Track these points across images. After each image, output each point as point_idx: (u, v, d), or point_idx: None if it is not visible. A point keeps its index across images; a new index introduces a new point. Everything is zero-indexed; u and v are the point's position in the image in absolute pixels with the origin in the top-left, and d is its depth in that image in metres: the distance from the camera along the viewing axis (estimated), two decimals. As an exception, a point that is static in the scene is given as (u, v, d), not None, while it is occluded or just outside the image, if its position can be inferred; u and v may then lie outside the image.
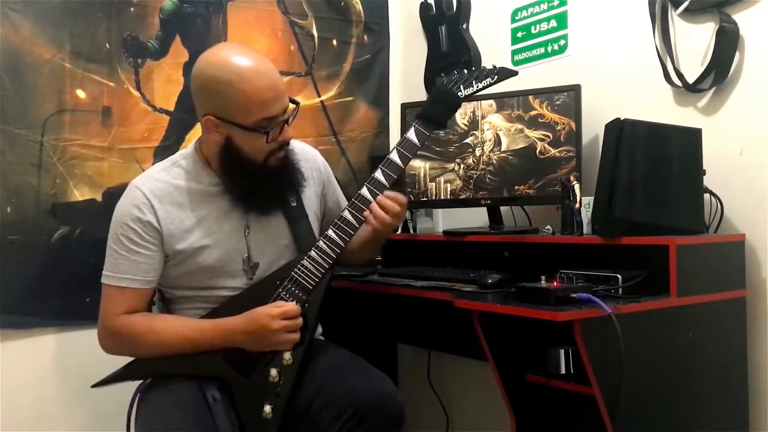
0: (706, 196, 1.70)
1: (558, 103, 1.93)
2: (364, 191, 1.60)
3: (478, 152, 2.06)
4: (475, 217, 2.25)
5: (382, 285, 1.89)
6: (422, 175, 2.17)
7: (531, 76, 2.15)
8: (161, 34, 2.23)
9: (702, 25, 1.80)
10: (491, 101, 2.03)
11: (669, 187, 1.62)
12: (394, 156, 1.62)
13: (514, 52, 2.32)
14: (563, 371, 1.57)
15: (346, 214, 1.59)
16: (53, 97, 2.07)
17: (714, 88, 1.77)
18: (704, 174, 1.66)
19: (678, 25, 1.85)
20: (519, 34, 2.31)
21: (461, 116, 2.08)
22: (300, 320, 1.54)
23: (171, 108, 2.25)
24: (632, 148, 1.59)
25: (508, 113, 2.01)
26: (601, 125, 1.69)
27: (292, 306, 1.53)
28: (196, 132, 2.05)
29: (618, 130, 1.61)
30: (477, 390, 2.38)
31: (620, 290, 1.52)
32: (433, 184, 2.15)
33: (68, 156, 2.09)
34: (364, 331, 2.21)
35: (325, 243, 1.58)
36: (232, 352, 1.54)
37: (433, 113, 1.64)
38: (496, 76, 1.67)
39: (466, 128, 2.09)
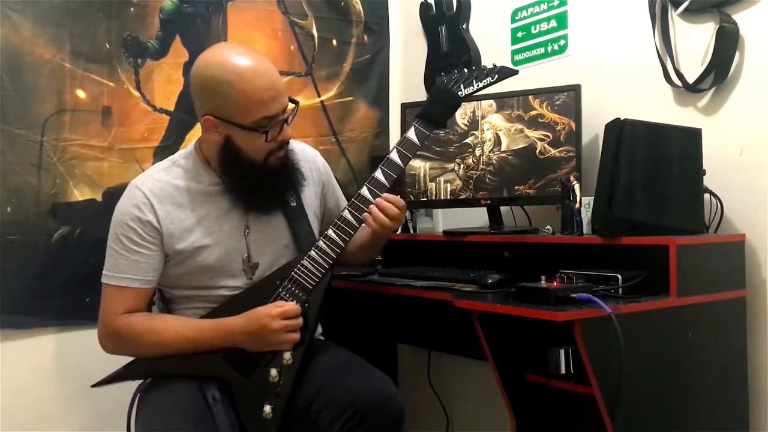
0: (706, 196, 1.70)
1: (558, 103, 1.93)
2: (364, 191, 1.60)
3: (478, 152, 2.06)
4: (475, 217, 2.24)
5: (382, 285, 1.89)
6: (422, 175, 2.17)
7: (531, 76, 2.15)
8: (161, 34, 2.23)
9: (702, 25, 1.80)
10: (491, 101, 2.03)
11: (669, 187, 1.62)
12: (394, 156, 1.62)
13: (514, 52, 2.32)
14: (563, 371, 1.57)
15: (346, 214, 1.59)
16: (53, 97, 2.07)
17: (714, 88, 1.77)
18: (704, 174, 1.66)
19: (678, 25, 1.85)
20: (519, 34, 2.31)
21: (461, 116, 2.08)
22: (300, 320, 1.53)
23: (171, 108, 2.25)
24: (632, 148, 1.59)
25: (508, 113, 2.01)
26: (601, 125, 1.69)
27: (292, 306, 1.53)
28: (196, 132, 2.05)
29: (618, 130, 1.61)
30: (477, 390, 2.38)
31: (620, 290, 1.52)
32: (433, 184, 2.15)
33: (68, 156, 2.09)
34: (364, 331, 2.21)
35: (324, 243, 1.58)
36: (232, 352, 1.54)
37: (433, 113, 1.64)
38: (496, 76, 1.67)
39: (466, 128, 2.09)
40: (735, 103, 1.74)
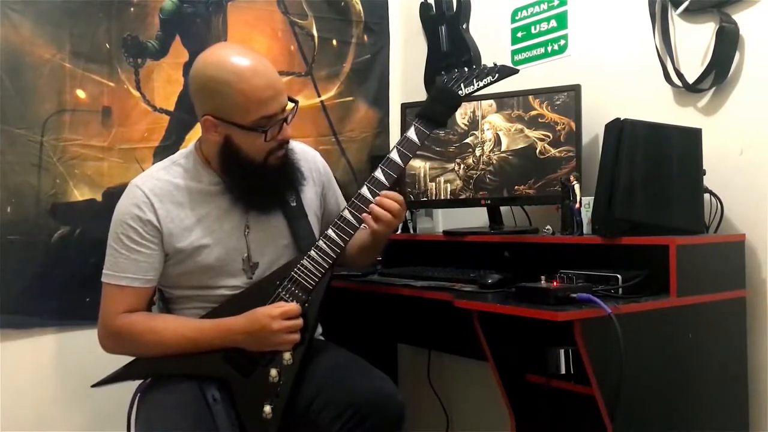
0: (706, 196, 1.70)
1: (558, 103, 1.93)
2: (364, 190, 1.60)
3: (478, 152, 2.06)
4: (475, 217, 2.24)
5: (382, 285, 1.89)
6: (422, 175, 2.17)
7: (531, 76, 2.15)
8: (161, 34, 2.23)
9: (702, 25, 1.80)
10: (491, 101, 2.03)
11: (669, 187, 1.61)
12: (394, 155, 1.62)
13: (514, 52, 2.32)
14: (563, 371, 1.57)
15: (346, 213, 1.59)
16: (53, 97, 2.07)
17: (714, 88, 1.77)
18: (704, 174, 1.66)
19: (678, 25, 1.85)
20: (519, 34, 2.31)
21: (461, 116, 2.08)
22: (301, 321, 1.53)
23: (171, 108, 2.25)
24: (632, 148, 1.59)
25: (508, 113, 2.01)
26: (601, 125, 1.69)
27: (293, 306, 1.53)
28: (196, 132, 2.05)
29: (618, 130, 1.61)
30: (477, 390, 2.38)
31: (620, 290, 1.52)
32: (433, 184, 2.15)
33: (68, 156, 2.09)
34: (364, 331, 2.21)
35: (324, 243, 1.58)
36: (232, 352, 1.54)
37: (434, 112, 1.64)
38: (496, 75, 1.66)
39: (466, 128, 2.09)
40: (735, 103, 1.74)
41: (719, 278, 1.62)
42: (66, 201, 2.09)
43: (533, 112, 1.97)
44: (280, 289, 1.57)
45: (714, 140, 1.70)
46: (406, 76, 2.73)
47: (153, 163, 2.01)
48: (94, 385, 1.60)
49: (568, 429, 1.76)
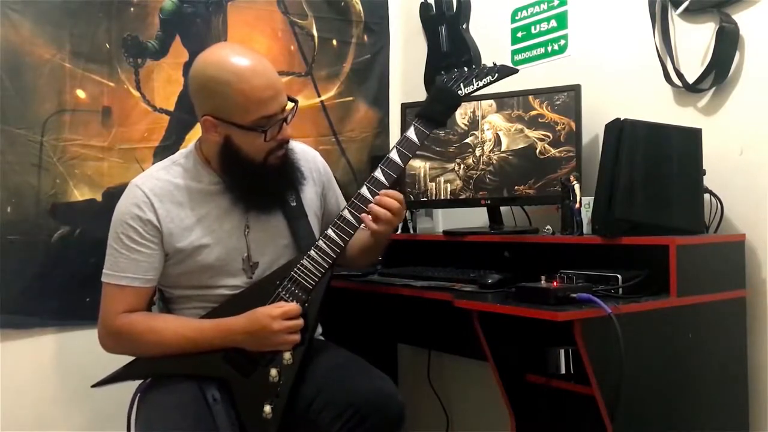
0: (706, 196, 1.70)
1: (558, 103, 1.93)
2: (364, 190, 1.60)
3: (478, 152, 2.06)
4: (475, 217, 2.24)
5: (382, 285, 1.89)
6: (422, 175, 2.17)
7: (531, 76, 2.15)
8: (161, 34, 2.23)
9: (702, 25, 1.80)
10: (491, 101, 2.03)
11: (669, 187, 1.61)
12: (394, 155, 1.61)
13: (514, 52, 2.32)
14: (563, 371, 1.57)
15: (346, 213, 1.59)
16: (53, 97, 2.07)
17: (714, 88, 1.77)
18: (704, 174, 1.66)
19: (678, 25, 1.85)
20: (519, 34, 2.31)
21: (461, 116, 2.08)
22: (301, 321, 1.53)
23: (171, 108, 2.25)
24: (632, 148, 1.59)
25: (508, 113, 2.01)
26: (601, 125, 1.69)
27: (293, 306, 1.53)
28: (196, 132, 2.05)
29: (618, 130, 1.60)
30: (477, 390, 2.38)
31: (620, 290, 1.52)
32: (433, 184, 2.15)
33: (68, 156, 2.09)
34: (364, 331, 2.21)
35: (324, 243, 1.58)
36: (232, 352, 1.54)
37: (433, 112, 1.64)
38: (496, 74, 1.66)
39: (466, 128, 2.08)
40: (735, 103, 1.74)
41: (719, 278, 1.62)
42: (66, 201, 2.09)
43: (533, 112, 1.97)
44: (280, 289, 1.57)
45: (714, 140, 1.70)
46: (406, 76, 2.73)
47: (153, 163, 2.01)
48: (94, 385, 1.60)
49: (568, 429, 1.76)
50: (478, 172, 2.06)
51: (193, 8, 2.29)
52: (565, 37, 2.16)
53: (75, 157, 2.10)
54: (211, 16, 2.33)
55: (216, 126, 1.54)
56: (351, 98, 2.62)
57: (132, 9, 2.19)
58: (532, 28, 2.26)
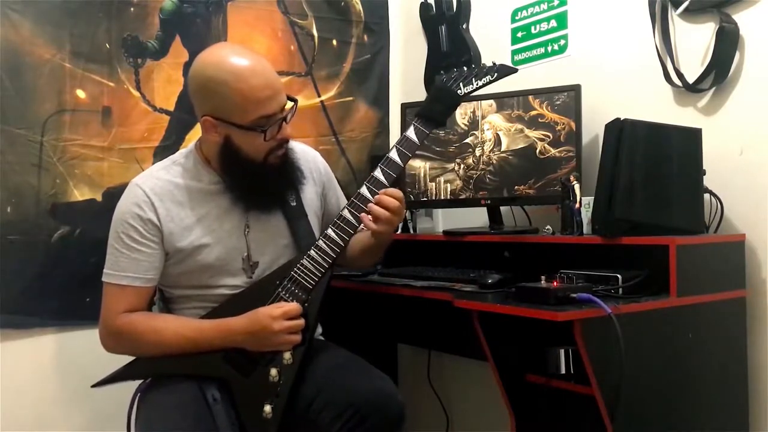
0: (706, 196, 1.70)
1: (558, 103, 1.93)
2: (364, 190, 1.60)
3: (478, 152, 2.06)
4: (475, 217, 2.24)
5: (382, 285, 1.89)
6: (422, 175, 2.17)
7: (531, 76, 2.15)
8: (161, 34, 2.23)
9: (702, 25, 1.80)
10: (491, 101, 2.03)
11: (669, 187, 1.61)
12: (394, 155, 1.61)
13: (514, 52, 2.32)
14: (563, 371, 1.57)
15: (346, 213, 1.59)
16: (53, 97, 2.07)
17: (714, 88, 1.77)
18: (704, 174, 1.66)
19: (678, 25, 1.85)
20: (519, 34, 2.31)
21: (461, 116, 2.08)
22: (302, 321, 1.53)
23: (171, 108, 2.25)
24: (632, 148, 1.59)
25: (508, 113, 2.01)
26: (601, 125, 1.69)
27: (294, 306, 1.53)
28: (196, 132, 2.05)
29: (618, 130, 1.60)
30: (477, 390, 2.38)
31: (620, 290, 1.52)
32: (433, 184, 2.15)
33: (68, 156, 2.09)
34: (364, 331, 2.21)
35: (324, 242, 1.58)
36: (232, 352, 1.54)
37: (433, 112, 1.64)
38: (495, 74, 1.66)
39: (466, 128, 2.08)
40: (735, 103, 1.74)
41: (719, 278, 1.62)
42: (66, 201, 2.09)
43: (533, 112, 1.97)
44: (280, 289, 1.57)
45: (714, 140, 1.70)
46: (406, 76, 2.73)
47: (153, 163, 2.01)
48: (94, 385, 1.60)
49: (568, 429, 1.76)
50: (478, 172, 2.06)
51: (193, 8, 2.29)
52: (565, 37, 2.16)
53: (75, 157, 2.10)
54: (211, 16, 2.33)
55: (215, 126, 1.54)
56: (351, 98, 2.62)
57: (132, 9, 2.19)
58: (532, 28, 2.26)
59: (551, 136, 1.94)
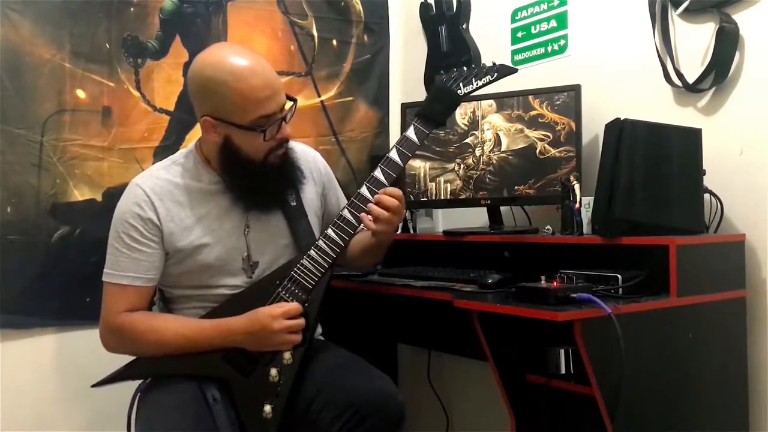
0: (706, 196, 1.70)
1: (558, 103, 1.93)
2: (364, 190, 1.60)
3: (478, 152, 2.06)
4: (475, 217, 2.24)
5: (382, 285, 1.89)
6: (422, 175, 2.17)
7: (531, 76, 2.15)
8: (161, 34, 2.23)
9: (702, 25, 1.80)
10: (491, 101, 2.03)
11: (669, 187, 1.61)
12: (394, 155, 1.61)
13: (514, 52, 2.32)
14: (563, 371, 1.57)
15: (346, 213, 1.59)
16: (53, 97, 2.07)
17: (714, 88, 1.77)
18: (704, 174, 1.66)
19: (678, 25, 1.85)
20: (519, 34, 2.31)
21: (461, 116, 2.08)
22: (302, 321, 1.53)
23: (171, 108, 2.25)
24: (632, 148, 1.59)
25: (508, 113, 2.01)
26: (601, 125, 1.69)
27: (294, 306, 1.53)
28: (196, 132, 2.05)
29: (618, 130, 1.61)
30: (477, 390, 2.38)
31: (620, 290, 1.52)
32: (433, 184, 2.15)
33: (68, 156, 2.09)
34: (364, 331, 2.21)
35: (324, 242, 1.58)
36: (232, 352, 1.54)
37: (433, 111, 1.64)
38: (495, 74, 1.66)
39: (466, 128, 2.08)
40: (735, 103, 1.74)
41: (719, 278, 1.62)
42: (66, 201, 2.09)
43: (533, 112, 1.97)
44: (280, 289, 1.57)
45: (714, 140, 1.70)
46: (406, 76, 2.73)
47: (153, 163, 2.01)
48: (94, 385, 1.60)
49: (568, 429, 1.76)
50: (478, 172, 2.06)
51: (193, 8, 2.29)
52: (565, 37, 2.16)
53: (75, 157, 2.10)
54: (211, 16, 2.33)
55: (215, 126, 1.54)
56: (351, 98, 2.62)
57: (132, 9, 2.19)
58: (532, 28, 2.26)
59: (551, 136, 1.94)
